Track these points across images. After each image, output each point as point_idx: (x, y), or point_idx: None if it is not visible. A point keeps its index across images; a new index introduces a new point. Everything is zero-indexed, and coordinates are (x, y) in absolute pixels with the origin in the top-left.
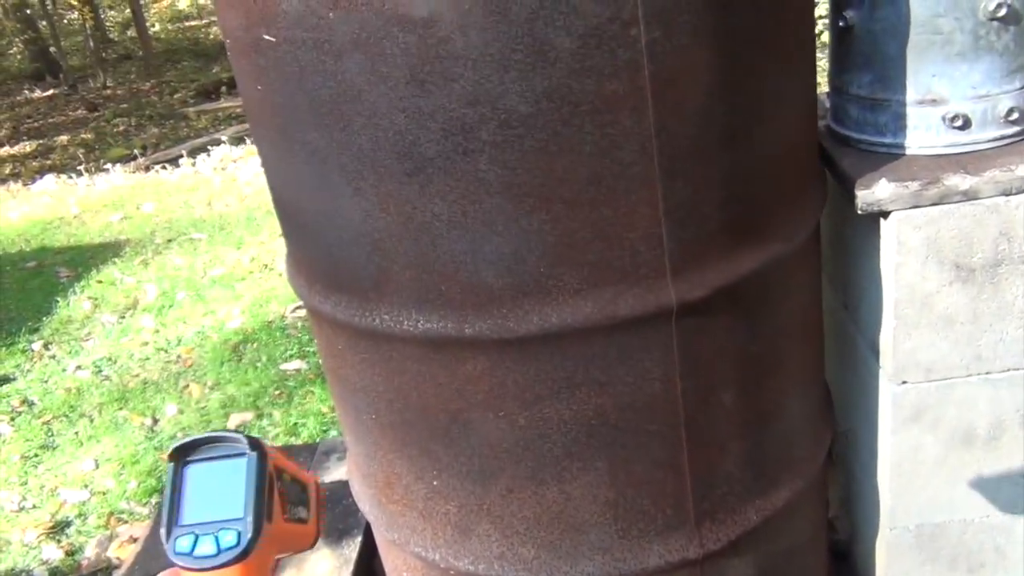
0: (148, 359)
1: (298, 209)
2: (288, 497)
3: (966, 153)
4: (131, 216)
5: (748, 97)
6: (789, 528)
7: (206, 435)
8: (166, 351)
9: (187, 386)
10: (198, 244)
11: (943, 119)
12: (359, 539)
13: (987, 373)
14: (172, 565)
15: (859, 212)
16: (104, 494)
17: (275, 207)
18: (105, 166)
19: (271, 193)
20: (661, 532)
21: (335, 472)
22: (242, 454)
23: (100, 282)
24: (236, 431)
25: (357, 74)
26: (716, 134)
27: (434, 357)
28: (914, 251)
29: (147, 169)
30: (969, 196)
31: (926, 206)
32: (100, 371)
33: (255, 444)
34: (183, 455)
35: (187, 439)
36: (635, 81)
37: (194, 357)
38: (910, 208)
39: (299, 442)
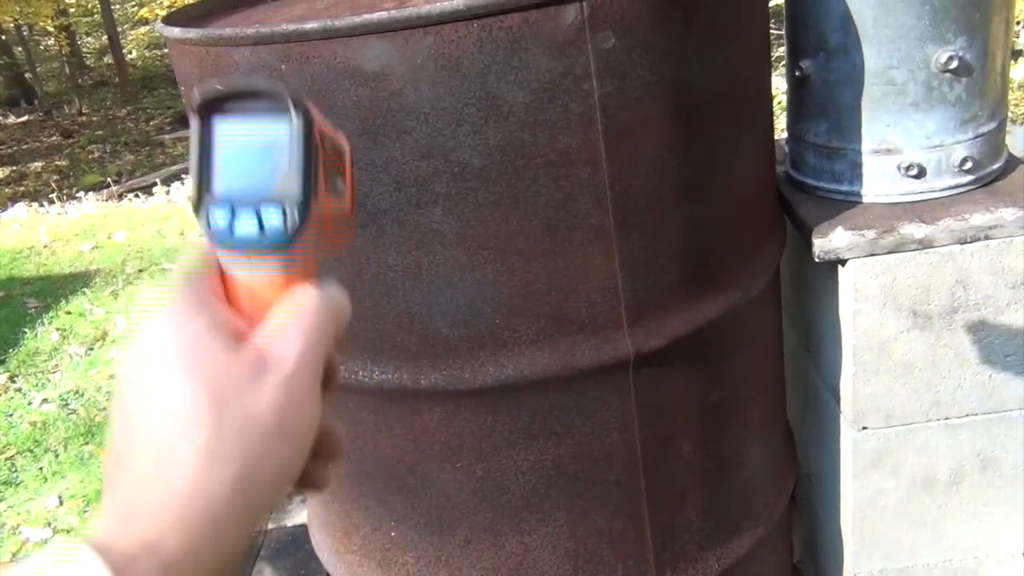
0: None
1: None
2: (328, 169)
3: (922, 201)
4: (102, 245)
5: (704, 149)
6: (753, 575)
7: (240, 84)
8: None
9: None
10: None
11: (898, 168)
12: None
13: (946, 419)
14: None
15: (816, 260)
16: (68, 532)
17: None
18: (78, 194)
19: None
20: None
21: (298, 516)
22: (284, 111)
23: (69, 313)
24: (275, 83)
25: None
26: (671, 186)
27: (390, 408)
28: (871, 298)
29: (120, 197)
30: (925, 244)
31: (882, 254)
32: (67, 404)
33: (298, 102)
34: (211, 108)
35: (216, 88)
36: (589, 134)
37: None
38: (866, 256)
39: None
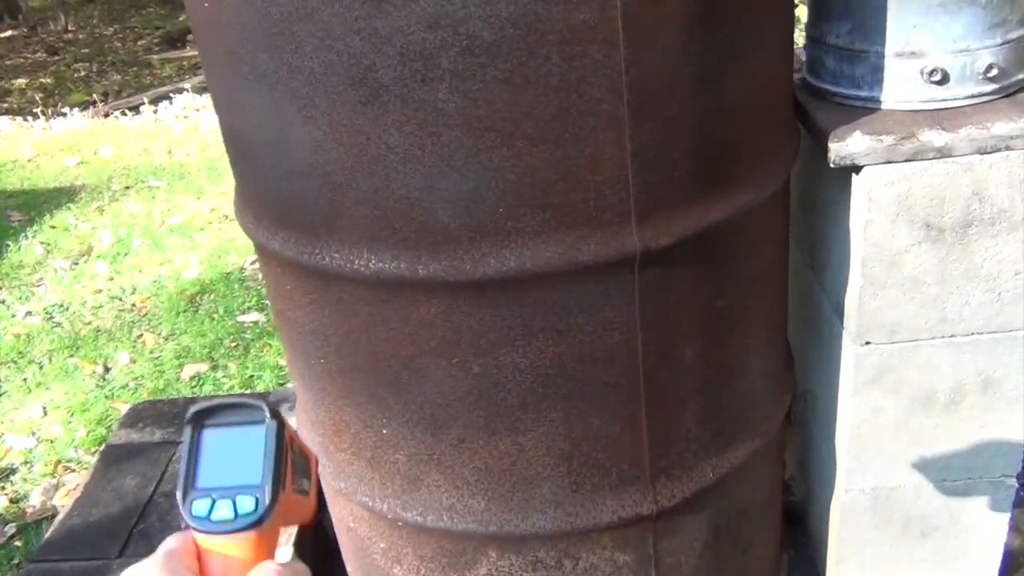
0: (101, 307)
1: (246, 139)
2: (295, 468)
3: (943, 109)
4: (88, 161)
5: (725, 35)
6: (745, 487)
7: (225, 400)
8: (120, 299)
9: (141, 335)
10: (156, 192)
11: (921, 73)
12: None
13: (951, 336)
14: (184, 528)
15: (831, 165)
16: (51, 442)
17: (224, 140)
18: (63, 110)
19: (220, 124)
20: (615, 487)
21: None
22: (261, 422)
23: (53, 227)
24: (255, 397)
25: None
26: (689, 74)
27: (386, 299)
28: (884, 208)
29: (106, 115)
30: (943, 153)
31: (899, 162)
32: (51, 317)
33: (275, 412)
34: (201, 419)
35: (205, 404)
36: (606, 11)
37: (149, 306)
38: (883, 163)
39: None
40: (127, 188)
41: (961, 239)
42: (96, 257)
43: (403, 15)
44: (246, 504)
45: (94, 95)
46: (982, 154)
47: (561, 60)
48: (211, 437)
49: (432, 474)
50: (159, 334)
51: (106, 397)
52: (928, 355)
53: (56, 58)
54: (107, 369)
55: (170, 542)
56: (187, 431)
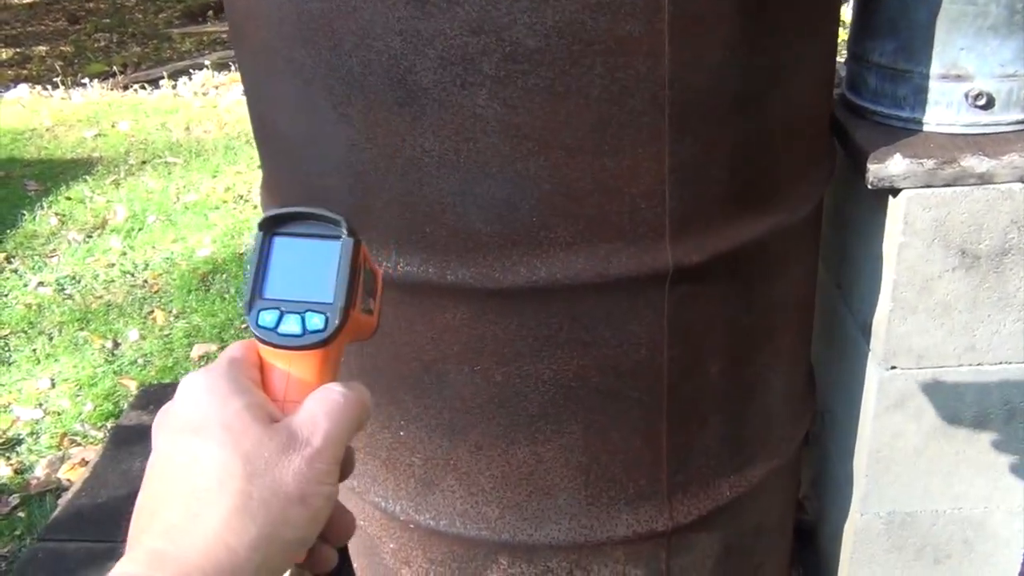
0: (113, 281)
1: (278, 133)
2: (365, 287)
3: (986, 135)
4: (106, 134)
5: (768, 56)
6: (760, 506)
7: (301, 209)
8: (132, 275)
9: (151, 312)
10: (173, 168)
11: (966, 96)
12: None
13: (979, 364)
14: (248, 337)
15: (869, 187)
16: (59, 414)
17: (254, 130)
18: (82, 81)
19: (250, 114)
20: (632, 501)
21: None
22: (337, 237)
23: (69, 199)
24: (333, 210)
25: None
26: (731, 92)
27: (412, 302)
28: (921, 233)
29: (125, 88)
30: (984, 180)
31: (939, 186)
32: (63, 289)
33: (352, 230)
34: (273, 226)
35: (280, 210)
36: (654, 23)
37: (161, 283)
38: (922, 187)
39: None
40: (144, 163)
41: (996, 267)
42: (110, 231)
43: (447, 18)
44: (315, 321)
45: (114, 67)
46: None
47: (604, 71)
48: (283, 246)
49: (447, 479)
50: (170, 312)
51: (115, 372)
52: (954, 382)
53: (77, 27)
54: (116, 344)
55: (233, 350)
56: (257, 236)
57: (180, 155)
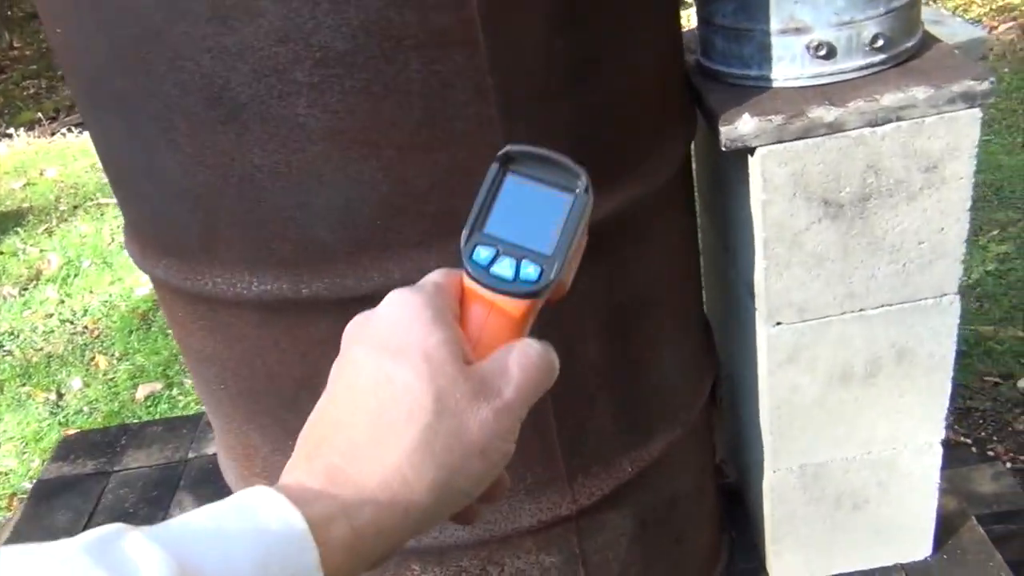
0: (52, 332)
1: (119, 167)
2: (576, 250)
3: (832, 84)
4: (34, 182)
5: (593, 29)
6: (670, 477)
7: (544, 152)
8: (71, 322)
9: (93, 358)
10: (105, 209)
11: (807, 48)
12: None
13: (861, 311)
14: (458, 267)
15: (723, 149)
16: (6, 475)
17: (103, 167)
18: (8, 131)
19: (98, 154)
20: (532, 491)
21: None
22: (573, 189)
23: (1, 253)
24: (576, 161)
25: (154, 10)
26: (559, 71)
27: (273, 321)
28: (781, 188)
29: (52, 134)
30: (834, 129)
31: (791, 140)
32: (1, 346)
33: (589, 188)
34: (511, 161)
35: (522, 147)
36: (463, 12)
37: (101, 327)
38: (774, 143)
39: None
40: (75, 208)
41: (861, 213)
42: (45, 281)
43: (251, 30)
44: (529, 271)
45: (42, 114)
46: (873, 126)
47: (421, 65)
48: (515, 185)
49: None
50: (112, 355)
51: (60, 424)
52: (840, 331)
53: (3, 76)
54: (60, 395)
55: (440, 275)
56: (493, 168)
57: (111, 195)
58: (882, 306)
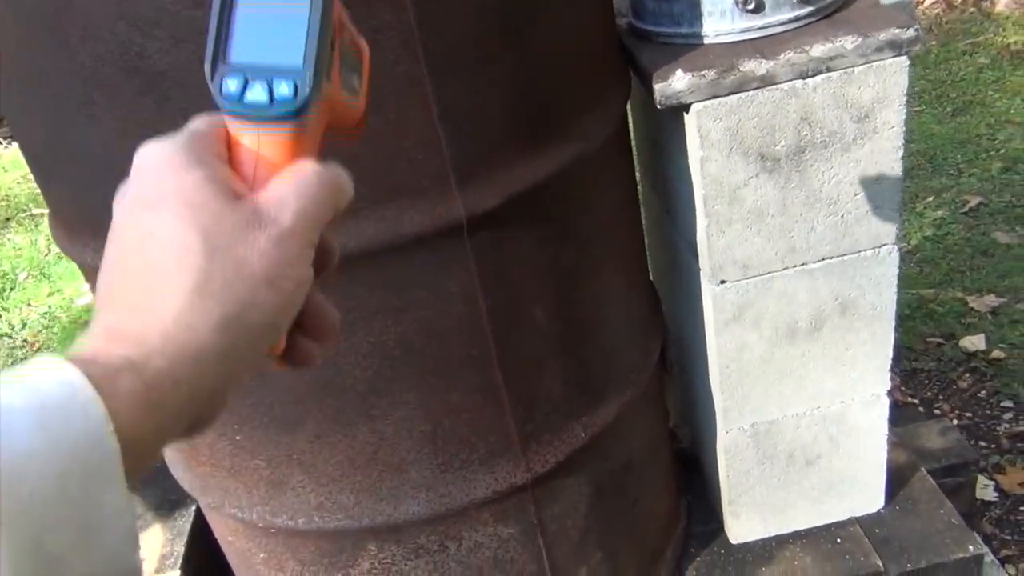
0: None
1: (39, 150)
2: (344, 60)
3: (762, 38)
4: None
5: None
6: (623, 442)
7: None
8: (10, 336)
9: None
10: (40, 220)
11: (736, 3)
12: (193, 509)
13: (803, 265)
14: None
15: (659, 107)
16: None
17: (23, 155)
18: None
19: (16, 141)
20: (485, 461)
21: None
22: None
23: None
24: None
25: None
26: (491, 28)
27: None
28: (717, 144)
29: None
30: (766, 82)
31: (724, 95)
32: None
33: None
34: None
35: None
36: None
37: (41, 340)
38: (708, 99)
39: None
40: (7, 220)
41: (797, 166)
42: None
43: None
44: (283, 89)
45: None
46: (804, 78)
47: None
48: (247, 5)
49: (295, 475)
50: None
51: None
52: (783, 286)
53: None
54: None
55: (197, 123)
56: None
57: (45, 205)
58: (823, 259)
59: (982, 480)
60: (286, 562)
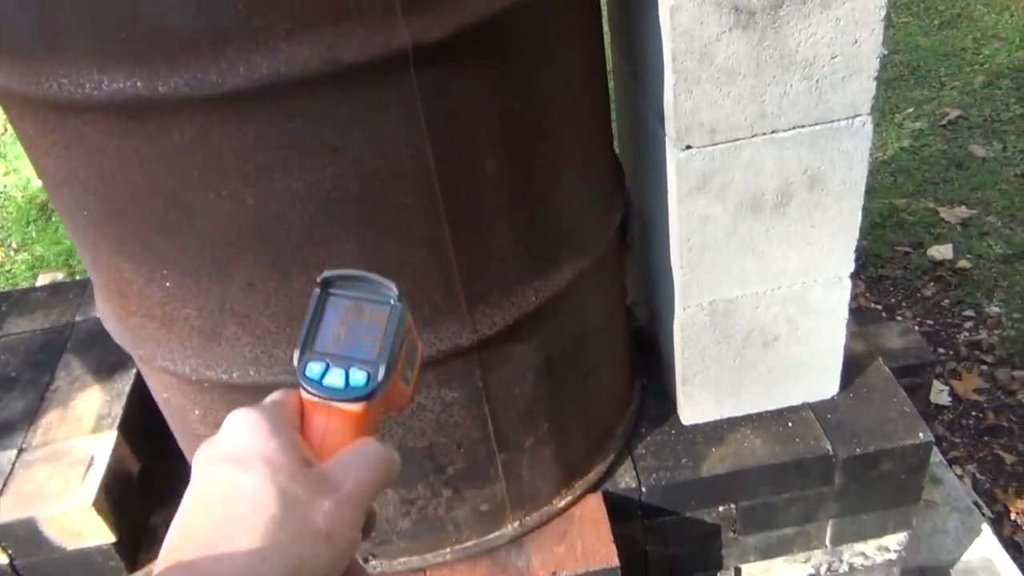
0: None
1: None
2: (407, 356)
3: None
4: None
5: None
6: (577, 311)
7: (358, 273)
8: None
9: None
10: None
11: None
12: (133, 372)
13: (773, 132)
14: (294, 386)
15: None
16: None
17: None
18: None
19: None
20: (430, 320)
21: None
22: (388, 302)
23: None
24: (386, 276)
25: None
26: None
27: (132, 127)
28: None
29: None
30: None
31: None
32: None
33: (402, 296)
34: (330, 284)
35: (338, 272)
36: None
37: None
38: None
39: None
40: None
41: (773, 22)
42: None
43: None
44: (358, 376)
45: None
46: None
47: None
48: (336, 304)
49: (229, 326)
50: (9, 247)
51: None
52: (751, 155)
53: None
54: None
55: (279, 394)
56: (315, 292)
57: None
58: (794, 128)
59: (937, 385)
60: (221, 420)
